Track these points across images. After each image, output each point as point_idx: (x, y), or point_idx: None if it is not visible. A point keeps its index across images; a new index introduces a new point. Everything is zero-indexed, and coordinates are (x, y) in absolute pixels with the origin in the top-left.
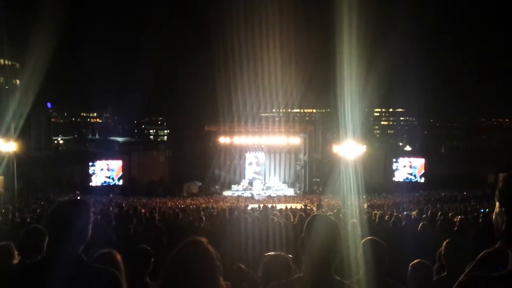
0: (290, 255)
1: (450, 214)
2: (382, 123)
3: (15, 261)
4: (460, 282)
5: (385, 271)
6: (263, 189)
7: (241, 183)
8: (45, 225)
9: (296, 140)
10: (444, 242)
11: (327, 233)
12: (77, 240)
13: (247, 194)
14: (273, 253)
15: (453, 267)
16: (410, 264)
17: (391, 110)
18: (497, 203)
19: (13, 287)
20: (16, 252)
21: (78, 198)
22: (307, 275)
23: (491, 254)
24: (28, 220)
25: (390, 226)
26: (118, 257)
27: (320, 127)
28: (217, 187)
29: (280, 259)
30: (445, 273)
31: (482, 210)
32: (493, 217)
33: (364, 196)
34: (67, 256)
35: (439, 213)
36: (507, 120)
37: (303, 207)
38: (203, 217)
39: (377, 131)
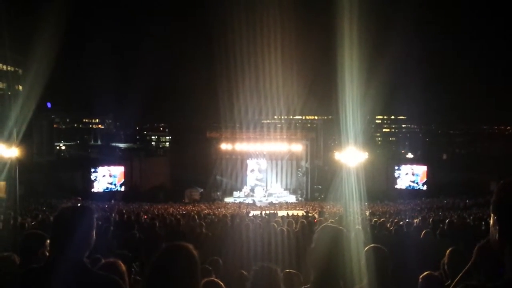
0: (279, 268)
1: (452, 222)
2: (384, 130)
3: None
4: None
5: (389, 279)
6: (264, 196)
7: (243, 190)
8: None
9: (298, 147)
10: (448, 251)
11: (336, 245)
12: (81, 247)
13: (248, 200)
14: (260, 264)
15: (457, 276)
16: (421, 277)
17: (392, 117)
18: (492, 214)
19: None
20: (17, 261)
21: (81, 204)
22: (316, 286)
23: (488, 249)
24: (32, 224)
25: (392, 234)
26: (123, 267)
27: (322, 134)
28: (218, 193)
29: (268, 271)
30: (449, 282)
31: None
32: (490, 227)
33: (366, 204)
34: (71, 263)
35: (447, 221)
36: (508, 127)
37: (304, 214)
38: (204, 223)
39: (379, 138)
